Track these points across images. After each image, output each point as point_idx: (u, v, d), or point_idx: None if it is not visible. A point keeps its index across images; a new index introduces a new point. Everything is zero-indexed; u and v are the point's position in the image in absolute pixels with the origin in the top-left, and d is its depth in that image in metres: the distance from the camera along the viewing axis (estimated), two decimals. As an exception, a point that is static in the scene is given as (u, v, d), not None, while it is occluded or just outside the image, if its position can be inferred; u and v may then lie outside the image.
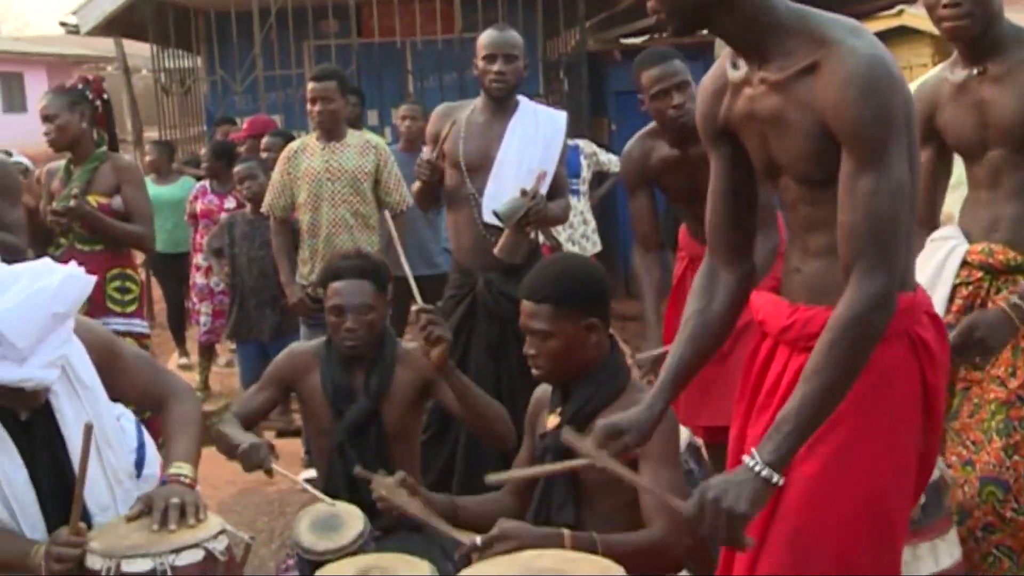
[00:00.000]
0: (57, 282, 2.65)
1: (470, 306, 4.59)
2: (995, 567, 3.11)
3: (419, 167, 4.64)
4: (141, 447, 3.09)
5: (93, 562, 2.55)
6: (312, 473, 5.44)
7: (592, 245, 7.85)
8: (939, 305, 3.23)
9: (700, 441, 4.27)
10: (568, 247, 7.02)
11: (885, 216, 2.10)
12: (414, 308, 3.35)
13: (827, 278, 2.27)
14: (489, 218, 4.47)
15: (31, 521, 2.74)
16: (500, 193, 4.47)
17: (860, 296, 2.09)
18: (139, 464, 3.04)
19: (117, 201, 4.84)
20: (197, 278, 6.89)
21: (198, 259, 6.89)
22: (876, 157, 2.10)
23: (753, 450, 2.07)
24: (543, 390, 3.12)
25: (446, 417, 4.35)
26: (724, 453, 4.53)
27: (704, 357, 2.55)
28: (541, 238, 4.85)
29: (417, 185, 4.74)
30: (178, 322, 8.15)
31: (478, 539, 2.53)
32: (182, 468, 2.85)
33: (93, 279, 2.78)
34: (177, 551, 2.55)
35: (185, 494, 2.72)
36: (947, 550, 2.92)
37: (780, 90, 2.23)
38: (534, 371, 2.93)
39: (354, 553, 2.97)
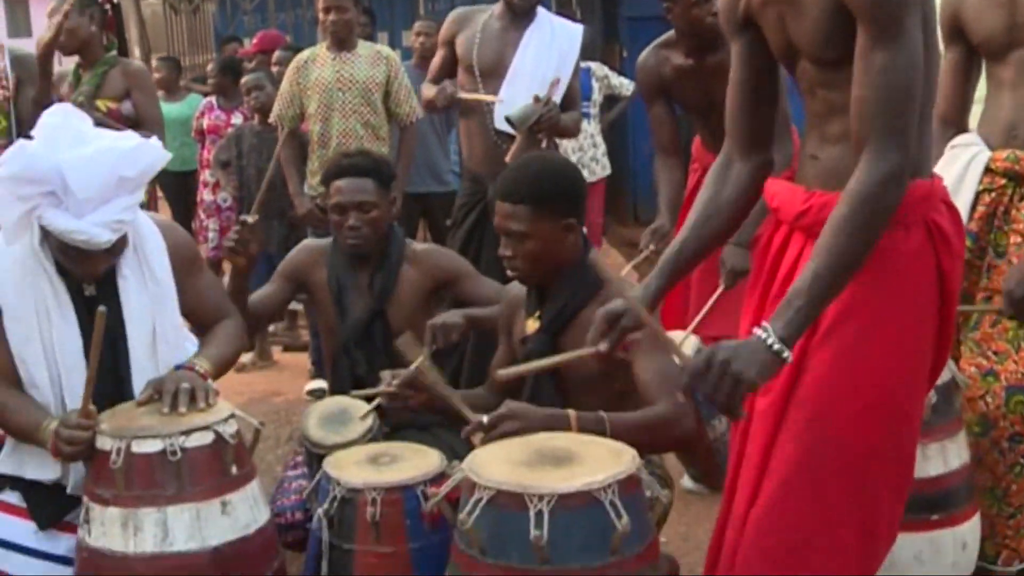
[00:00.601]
0: (131, 147, 2.66)
1: (482, 213, 4.56)
2: (1021, 477, 3.10)
3: (440, 93, 4.59)
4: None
5: (103, 443, 2.56)
6: (319, 384, 5.49)
7: (602, 168, 7.79)
8: (962, 213, 3.19)
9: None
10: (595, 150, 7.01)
11: (900, 91, 2.07)
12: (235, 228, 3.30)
13: (844, 163, 2.23)
14: (501, 125, 4.44)
15: (74, 393, 2.76)
16: (513, 101, 4.44)
17: (873, 171, 2.06)
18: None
19: (127, 107, 4.78)
20: (204, 194, 6.82)
21: (205, 175, 6.83)
22: (891, 32, 2.06)
23: (765, 323, 2.04)
24: (517, 291, 3.08)
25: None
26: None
27: (709, 243, 2.52)
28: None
29: (428, 98, 4.70)
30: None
31: (484, 418, 2.52)
32: (200, 362, 2.86)
33: (167, 155, 2.79)
34: (187, 433, 2.55)
35: (196, 380, 2.72)
36: (956, 452, 2.92)
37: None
38: (510, 272, 2.89)
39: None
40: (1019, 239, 3.17)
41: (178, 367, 2.84)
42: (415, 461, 2.69)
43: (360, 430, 2.99)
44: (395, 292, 3.50)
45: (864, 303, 2.19)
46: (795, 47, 2.28)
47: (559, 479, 2.14)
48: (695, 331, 4.12)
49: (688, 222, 2.50)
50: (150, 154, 2.71)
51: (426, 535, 2.58)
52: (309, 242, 3.76)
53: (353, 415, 3.05)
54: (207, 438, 2.57)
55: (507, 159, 4.39)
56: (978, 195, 3.23)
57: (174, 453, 2.51)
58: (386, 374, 2.92)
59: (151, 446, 2.52)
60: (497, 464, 2.22)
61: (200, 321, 3.07)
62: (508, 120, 4.34)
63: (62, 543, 2.81)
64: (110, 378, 2.80)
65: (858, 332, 2.21)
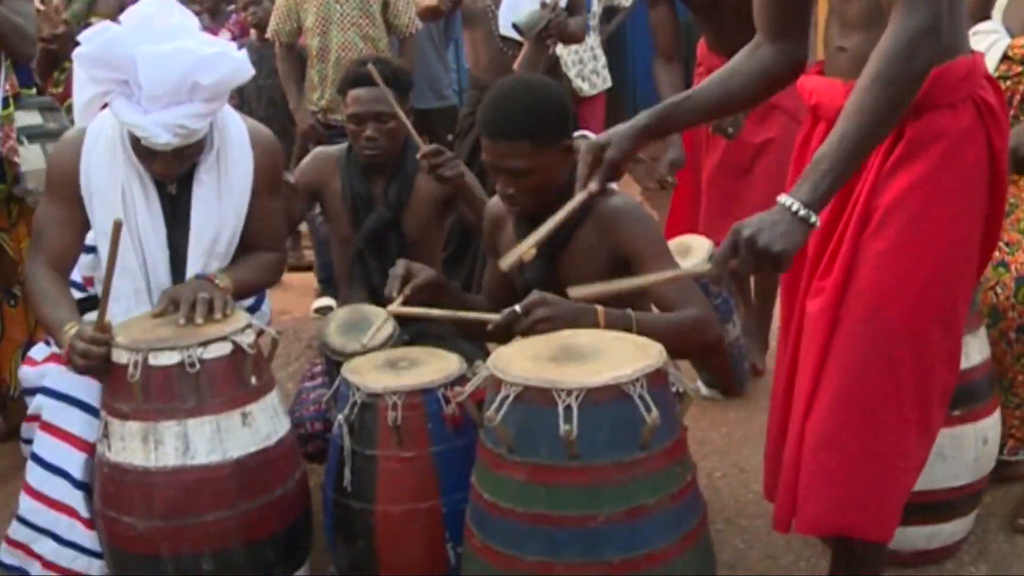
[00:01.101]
0: (212, 53, 2.58)
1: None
2: (1027, 368, 3.09)
3: None
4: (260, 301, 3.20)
5: (119, 356, 2.52)
6: (326, 301, 5.46)
7: (602, 81, 7.64)
8: None
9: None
10: (579, 83, 6.86)
11: None
12: (419, 155, 3.24)
13: (873, 48, 2.17)
14: (506, 31, 4.36)
15: (159, 282, 2.84)
16: (517, 6, 4.35)
17: (903, 28, 1.97)
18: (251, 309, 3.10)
19: (120, 23, 4.68)
20: (250, 123, 6.71)
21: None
22: None
23: (790, 192, 1.98)
24: (496, 206, 2.97)
25: (465, 234, 4.30)
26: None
27: (717, 104, 2.48)
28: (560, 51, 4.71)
29: (430, 3, 4.61)
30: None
31: (518, 307, 2.47)
32: (222, 276, 2.82)
33: (250, 69, 2.73)
34: (205, 344, 2.51)
35: (213, 290, 2.68)
36: (977, 347, 2.89)
37: None
38: (512, 209, 2.78)
39: None
40: None
41: (198, 276, 2.80)
42: (435, 364, 2.66)
43: (380, 337, 2.95)
44: (410, 202, 3.45)
45: (916, 190, 2.14)
46: None
47: (586, 373, 2.10)
48: (715, 236, 4.09)
49: (706, 81, 2.46)
50: (231, 65, 2.63)
51: (449, 438, 2.56)
52: (321, 151, 3.68)
53: (372, 322, 3.01)
54: (225, 349, 2.54)
55: (515, 66, 4.33)
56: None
57: (192, 365, 2.48)
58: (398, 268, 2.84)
59: (169, 358, 2.48)
60: (522, 360, 2.18)
61: (251, 242, 2.99)
62: (515, 27, 4.25)
63: None
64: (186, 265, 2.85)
65: (912, 220, 2.16)
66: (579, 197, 2.40)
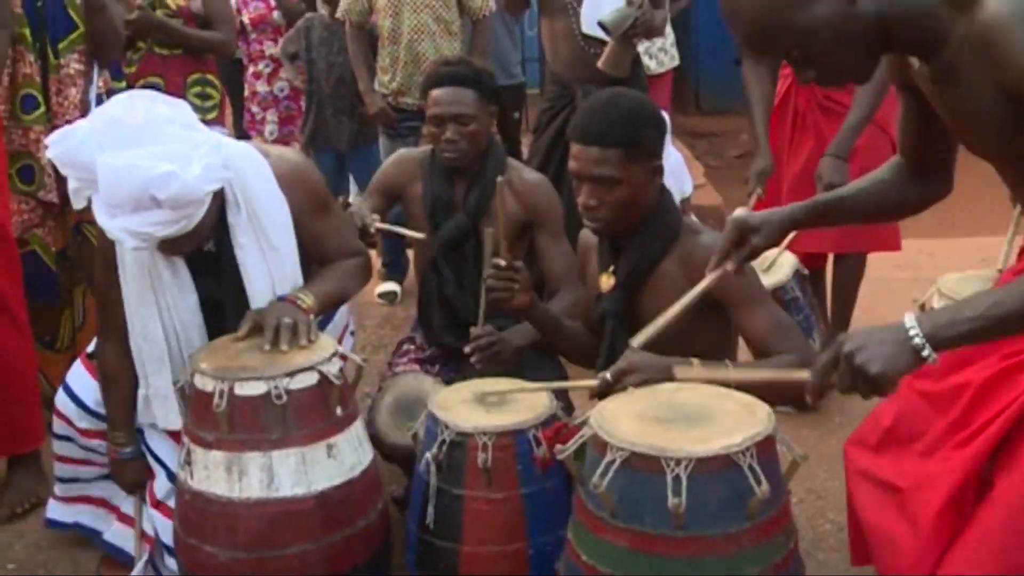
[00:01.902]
0: (160, 172, 2.40)
1: (567, 119, 4.38)
2: None
3: None
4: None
5: (204, 384, 2.47)
6: (391, 286, 5.40)
7: (670, 59, 7.51)
8: None
9: (806, 269, 4.13)
10: (646, 60, 6.72)
11: None
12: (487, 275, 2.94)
13: None
14: (589, 28, 4.25)
15: (192, 347, 2.74)
16: (600, 4, 4.23)
17: None
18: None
19: (196, 4, 4.61)
20: (257, 86, 6.59)
21: (258, 67, 6.60)
22: None
23: (915, 315, 1.83)
24: (587, 233, 2.90)
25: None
26: (821, 279, 4.45)
27: (864, 215, 2.43)
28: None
29: None
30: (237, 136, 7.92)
31: (608, 375, 2.42)
32: (304, 295, 2.74)
33: (201, 188, 2.49)
34: (292, 374, 2.45)
35: (297, 314, 2.61)
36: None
37: (951, 81, 1.98)
38: (590, 224, 2.69)
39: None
40: None
41: (280, 298, 2.73)
42: (526, 403, 2.58)
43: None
44: (489, 209, 3.35)
45: None
46: (981, 154, 2.04)
47: (695, 440, 2.03)
48: (790, 248, 3.99)
49: (861, 185, 2.38)
50: (180, 185, 2.43)
51: (538, 480, 2.49)
52: (404, 153, 3.61)
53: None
54: (312, 379, 2.48)
55: (600, 64, 4.23)
56: None
57: (279, 396, 2.42)
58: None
59: (255, 388, 2.43)
60: (628, 421, 2.11)
61: (322, 261, 2.93)
62: (601, 25, 4.14)
63: None
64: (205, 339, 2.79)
65: None
66: (713, 276, 2.32)
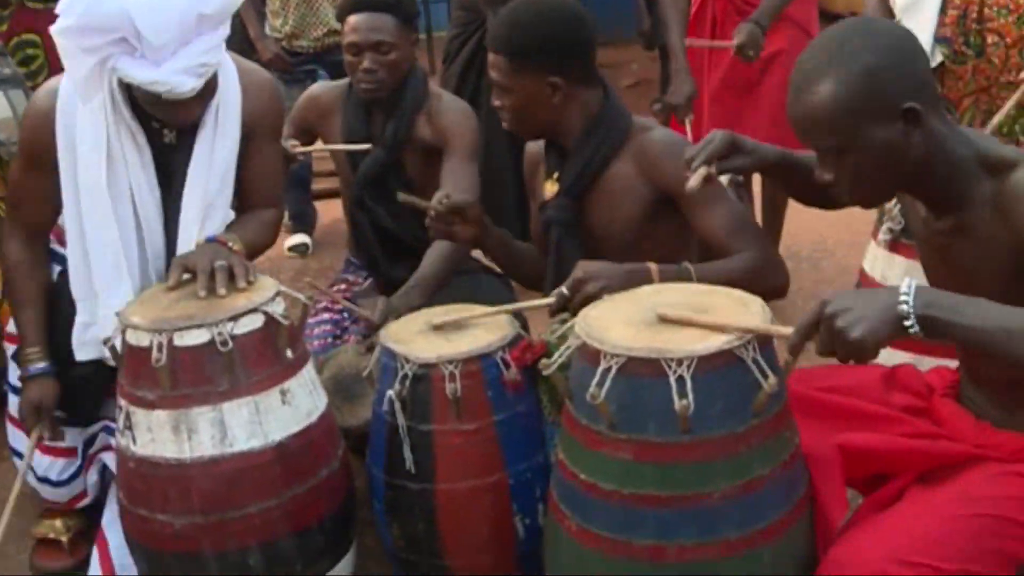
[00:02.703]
0: None
1: (479, 44, 4.19)
2: None
3: None
4: None
5: (139, 339, 2.24)
6: (300, 239, 5.18)
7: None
8: (931, 20, 3.07)
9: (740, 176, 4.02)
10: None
11: None
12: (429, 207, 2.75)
13: (1010, 420, 2.03)
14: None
15: (155, 244, 2.60)
16: None
17: None
18: None
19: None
20: (248, 74, 6.26)
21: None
22: None
23: (916, 284, 1.71)
24: (535, 144, 2.81)
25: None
26: (749, 182, 4.35)
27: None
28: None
29: None
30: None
31: (564, 288, 2.27)
32: (233, 239, 2.53)
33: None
34: (235, 318, 2.24)
35: (231, 256, 2.40)
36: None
37: (963, 236, 1.95)
38: (504, 124, 2.64)
39: None
40: (996, 38, 3.05)
41: (209, 239, 2.51)
42: (485, 326, 2.41)
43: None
44: (410, 141, 3.17)
45: None
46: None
47: (693, 339, 1.88)
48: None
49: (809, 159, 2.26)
50: None
51: (510, 405, 2.32)
52: (319, 87, 3.40)
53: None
54: (257, 322, 2.27)
55: None
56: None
57: (224, 343, 2.21)
58: (440, 194, 2.60)
59: (196, 337, 2.21)
60: (618, 327, 1.96)
61: (249, 197, 2.75)
62: None
63: None
64: (168, 228, 2.61)
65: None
66: (697, 176, 2.18)
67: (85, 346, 2.61)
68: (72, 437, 2.77)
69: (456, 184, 3.11)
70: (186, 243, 2.56)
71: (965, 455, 2.02)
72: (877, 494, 2.10)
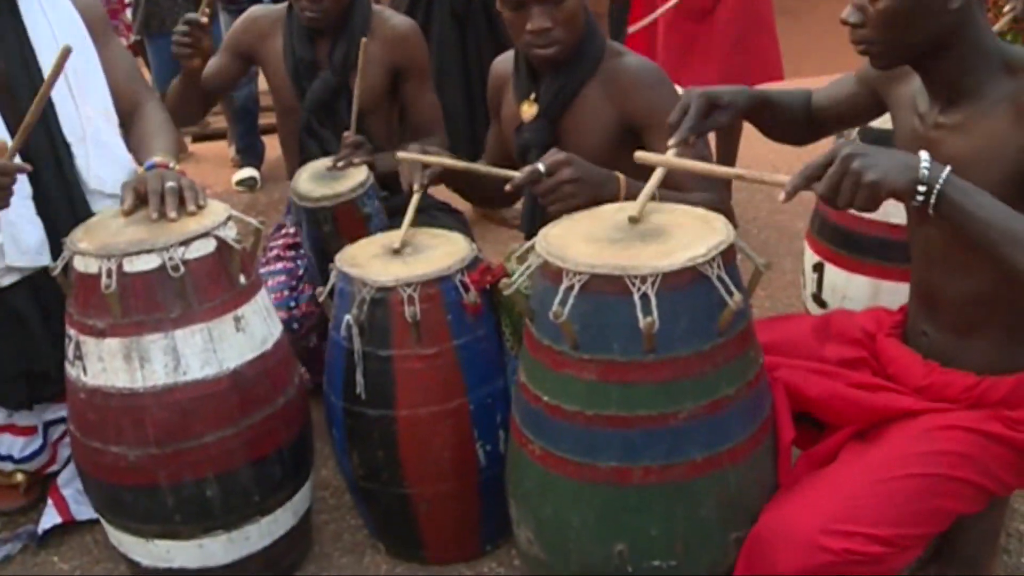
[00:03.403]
0: None
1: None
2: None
3: None
4: None
5: (87, 265, 2.17)
6: (248, 172, 5.08)
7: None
8: None
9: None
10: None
11: None
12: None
13: (963, 349, 2.02)
14: None
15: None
16: None
17: None
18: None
19: None
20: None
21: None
22: None
23: (928, 157, 1.70)
24: (502, 63, 2.75)
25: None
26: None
27: (782, 120, 2.36)
28: None
29: None
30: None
31: (540, 165, 2.21)
32: (167, 157, 2.45)
33: None
34: (186, 242, 2.18)
35: (179, 178, 2.33)
36: None
37: (965, 132, 1.90)
38: (546, 51, 2.47)
39: (353, 202, 2.70)
40: None
41: (149, 166, 2.44)
42: (444, 248, 2.37)
43: (350, 184, 2.72)
44: (357, 65, 3.08)
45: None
46: None
47: (656, 255, 1.84)
48: (674, 83, 3.82)
49: (791, 95, 2.34)
50: None
51: (470, 330, 2.30)
52: (258, 10, 3.27)
53: (348, 173, 2.79)
54: (209, 246, 2.21)
55: None
56: None
57: (175, 268, 2.14)
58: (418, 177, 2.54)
59: (147, 262, 2.14)
60: (579, 244, 1.91)
61: (116, 93, 2.65)
62: None
63: None
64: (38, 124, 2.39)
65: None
66: (675, 151, 2.09)
67: None
68: (30, 416, 2.70)
69: (422, 108, 3.12)
70: (70, 124, 2.51)
71: (904, 410, 2.01)
72: (813, 451, 2.09)
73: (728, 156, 4.23)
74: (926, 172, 1.67)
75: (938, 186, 1.67)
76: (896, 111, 2.11)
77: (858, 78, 2.23)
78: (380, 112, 3.15)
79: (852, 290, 2.85)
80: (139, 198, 2.30)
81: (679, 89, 3.56)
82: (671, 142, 2.08)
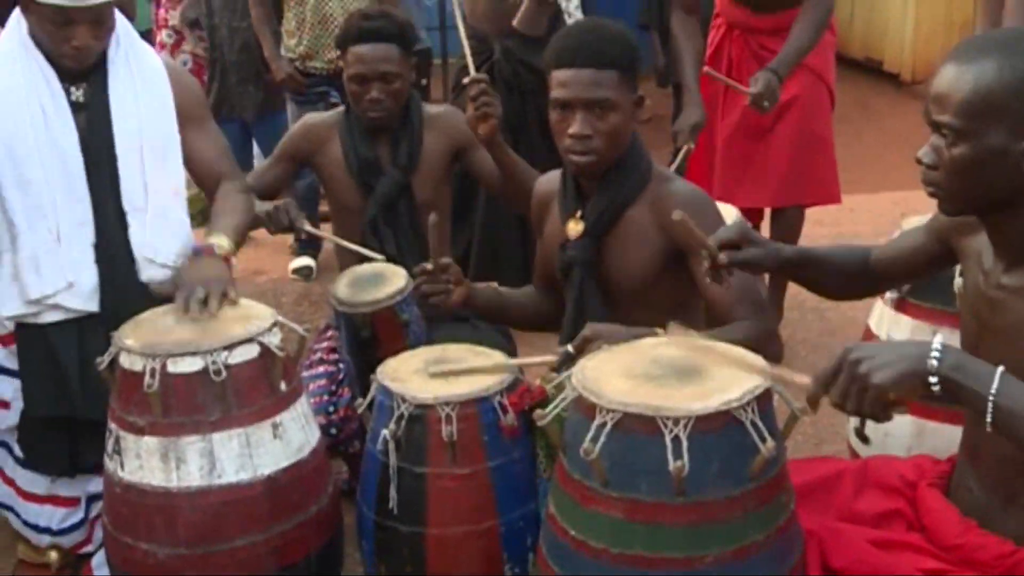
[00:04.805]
0: None
1: (490, 73, 4.18)
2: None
3: None
4: None
5: (132, 362, 2.22)
6: (305, 261, 5.15)
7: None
8: None
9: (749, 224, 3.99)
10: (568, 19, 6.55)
11: None
12: (466, 79, 2.97)
13: (1005, 514, 1.97)
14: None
15: (73, 192, 2.60)
16: None
17: None
18: None
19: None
20: (161, 56, 6.28)
21: (162, 36, 6.25)
22: None
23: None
24: (546, 182, 2.80)
25: (466, 197, 4.08)
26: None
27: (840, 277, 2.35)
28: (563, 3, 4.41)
29: None
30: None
31: (570, 347, 2.26)
32: (220, 239, 2.58)
33: None
34: (230, 347, 2.23)
35: (209, 279, 2.42)
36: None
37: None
38: (582, 158, 2.50)
39: (392, 309, 2.76)
40: None
41: (196, 251, 2.55)
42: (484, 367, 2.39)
43: (389, 290, 2.78)
44: (419, 162, 3.24)
45: None
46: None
47: (691, 397, 1.85)
48: (729, 201, 3.85)
49: (843, 251, 2.33)
50: None
51: (506, 451, 2.29)
52: (312, 117, 3.43)
53: (387, 277, 2.85)
54: (252, 352, 2.26)
55: (515, 23, 4.06)
56: None
57: (217, 372, 2.19)
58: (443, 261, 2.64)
59: (190, 365, 2.20)
60: (615, 380, 1.92)
61: (203, 169, 2.81)
62: None
63: None
64: (104, 181, 2.64)
65: None
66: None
67: (11, 300, 2.59)
68: (74, 486, 2.74)
69: (486, 168, 3.21)
70: (130, 188, 2.63)
71: (926, 570, 1.96)
72: None
73: (780, 279, 4.23)
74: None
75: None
76: (965, 263, 2.08)
77: (928, 228, 2.20)
78: (437, 205, 3.23)
79: (894, 427, 2.81)
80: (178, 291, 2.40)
81: (733, 209, 3.64)
82: (704, 268, 2.13)
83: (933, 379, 1.64)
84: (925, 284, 2.63)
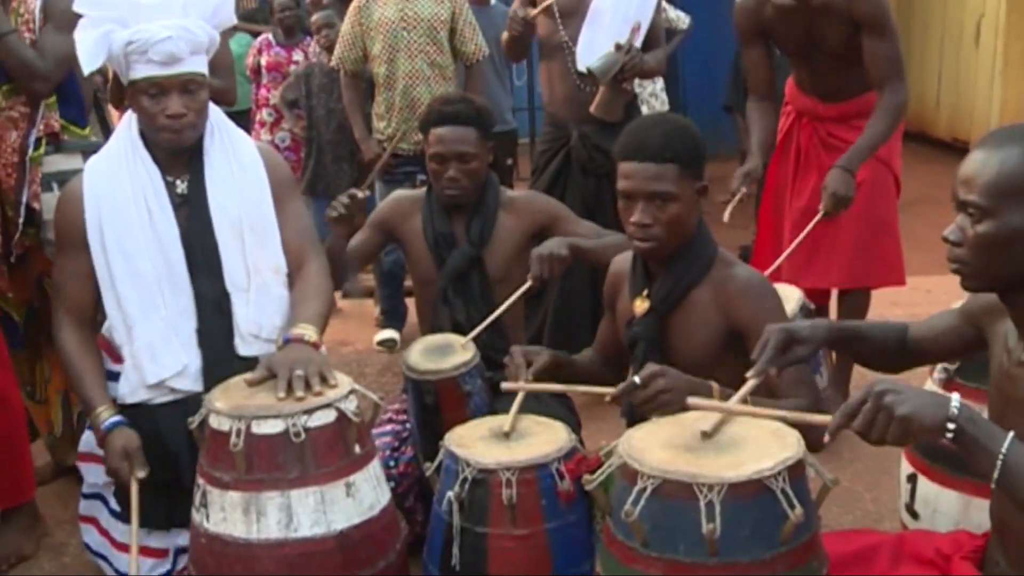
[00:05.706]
0: None
1: (564, 160, 4.43)
2: None
3: (512, 20, 4.41)
4: None
5: (220, 423, 2.43)
6: (390, 334, 5.36)
7: (660, 104, 7.56)
8: None
9: (812, 304, 4.10)
10: (643, 107, 6.75)
11: None
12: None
13: None
14: (584, 67, 4.28)
15: (177, 284, 2.86)
16: (594, 42, 4.28)
17: None
18: None
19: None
20: (262, 134, 6.61)
21: (262, 115, 6.62)
22: None
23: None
24: (620, 261, 2.94)
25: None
26: (825, 316, 4.41)
27: (875, 352, 2.47)
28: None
29: (506, 36, 4.53)
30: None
31: (637, 378, 2.40)
32: (307, 329, 2.74)
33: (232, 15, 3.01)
34: (309, 412, 2.43)
35: (308, 362, 2.57)
36: None
37: None
38: (644, 244, 2.66)
39: (455, 380, 2.94)
40: None
41: (287, 340, 2.72)
42: (544, 436, 2.56)
43: (455, 361, 2.97)
44: (492, 238, 3.42)
45: None
46: None
47: (726, 466, 2.00)
48: (796, 283, 3.98)
49: (883, 329, 2.44)
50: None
51: (562, 515, 2.46)
52: (400, 193, 3.65)
53: (456, 349, 3.05)
54: (329, 417, 2.45)
55: (592, 109, 4.26)
56: None
57: (297, 434, 2.39)
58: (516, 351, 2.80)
59: (273, 427, 2.40)
60: (657, 449, 2.08)
61: (288, 248, 3.00)
62: (589, 71, 4.19)
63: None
64: (203, 268, 2.88)
65: None
66: (753, 382, 2.28)
67: (136, 391, 2.84)
68: (165, 539, 2.93)
69: (582, 232, 3.41)
70: (233, 271, 2.88)
71: None
72: None
73: (843, 371, 4.32)
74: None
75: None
76: (992, 346, 2.20)
77: (961, 311, 2.32)
78: (509, 282, 3.38)
79: (943, 504, 2.91)
80: (270, 374, 2.56)
81: (797, 290, 3.77)
82: (749, 374, 2.25)
83: (951, 424, 1.78)
84: (972, 365, 2.74)
